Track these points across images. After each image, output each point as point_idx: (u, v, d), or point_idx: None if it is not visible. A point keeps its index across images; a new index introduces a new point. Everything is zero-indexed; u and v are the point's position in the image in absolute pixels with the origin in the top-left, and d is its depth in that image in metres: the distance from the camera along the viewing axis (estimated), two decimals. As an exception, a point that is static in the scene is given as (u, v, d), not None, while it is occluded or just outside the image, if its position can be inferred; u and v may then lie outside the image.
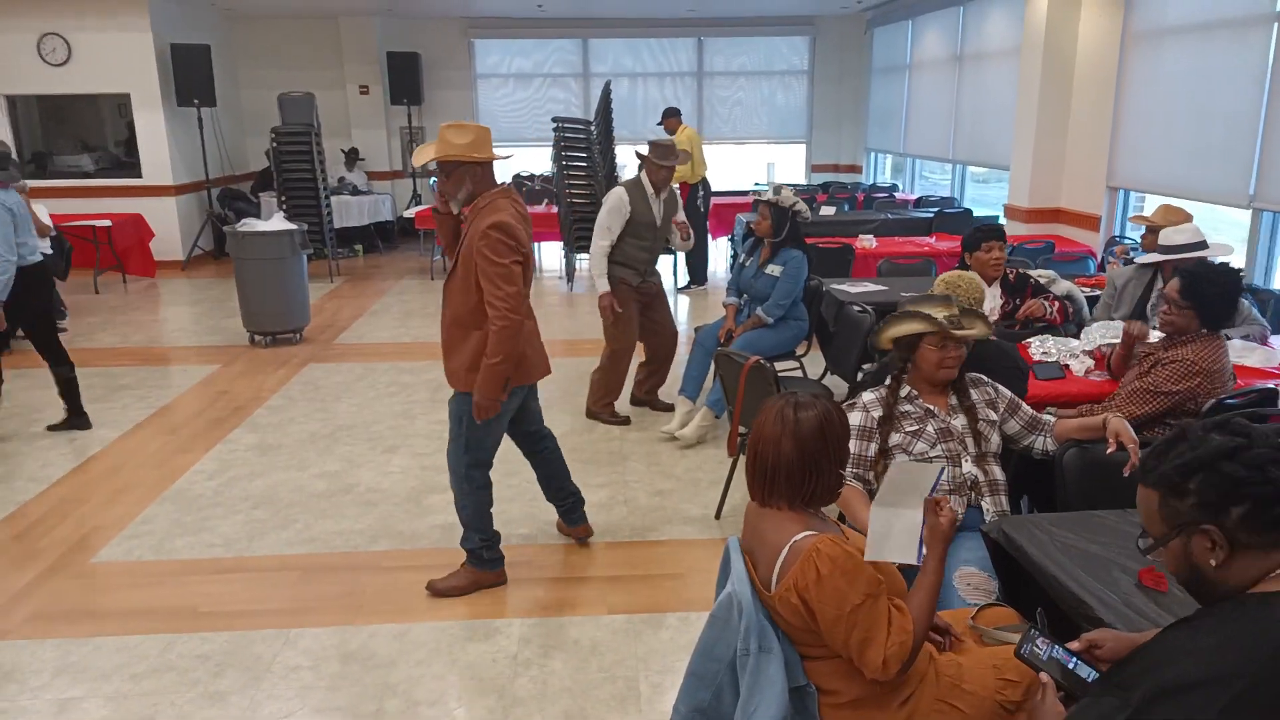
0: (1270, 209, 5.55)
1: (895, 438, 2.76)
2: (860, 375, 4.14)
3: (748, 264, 5.16)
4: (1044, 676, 1.68)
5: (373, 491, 4.48)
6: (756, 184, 11.91)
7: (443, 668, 3.06)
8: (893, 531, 2.09)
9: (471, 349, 3.23)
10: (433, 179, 12.01)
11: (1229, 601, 1.37)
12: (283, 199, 9.86)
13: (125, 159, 10.48)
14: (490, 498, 3.49)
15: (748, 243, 5.33)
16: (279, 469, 4.75)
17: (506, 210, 3.19)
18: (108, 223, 9.30)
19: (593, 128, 9.18)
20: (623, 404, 5.53)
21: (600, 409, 5.41)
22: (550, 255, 11.24)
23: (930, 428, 2.74)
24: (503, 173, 13.12)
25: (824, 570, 1.84)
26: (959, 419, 2.77)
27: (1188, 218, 4.62)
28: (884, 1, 11.44)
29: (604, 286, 5.12)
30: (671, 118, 9.03)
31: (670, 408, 5.41)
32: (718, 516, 4.17)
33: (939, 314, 2.74)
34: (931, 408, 2.78)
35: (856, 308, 4.71)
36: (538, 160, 12.85)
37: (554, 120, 9.23)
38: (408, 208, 11.74)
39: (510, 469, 4.71)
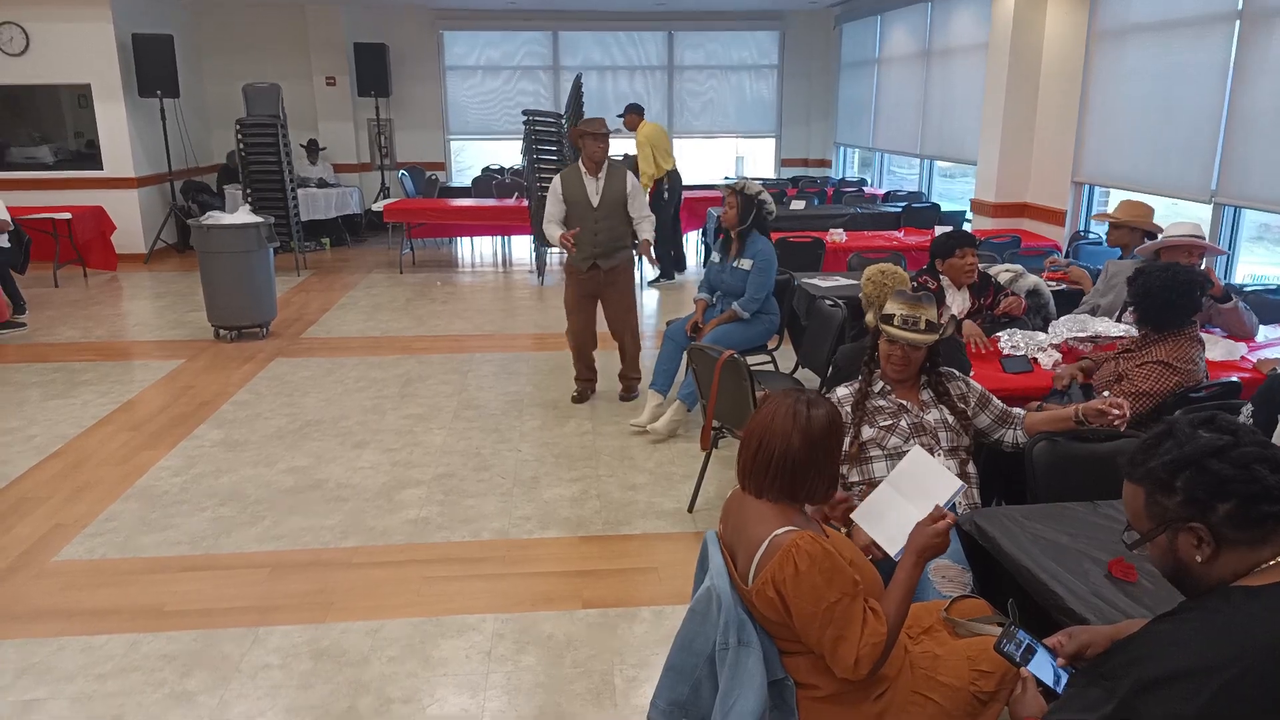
0: (1231, 203, 5.65)
1: (869, 431, 2.77)
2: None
3: (718, 261, 5.19)
4: (1024, 671, 1.69)
5: (342, 487, 4.43)
6: (726, 178, 11.94)
7: (416, 665, 3.03)
8: (887, 515, 2.10)
9: None
10: (401, 171, 11.91)
11: (1215, 594, 1.38)
12: (248, 191, 9.72)
13: (85, 151, 10.28)
14: None
15: (718, 241, 5.36)
16: (246, 465, 4.69)
17: None
18: (67, 215, 9.10)
19: (563, 121, 9.13)
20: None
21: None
22: (520, 248, 11.18)
23: (904, 422, 2.76)
24: (474, 165, 13.10)
25: (802, 566, 1.84)
26: (932, 413, 2.79)
27: (1149, 210, 4.72)
28: (853, -3, 11.50)
29: (552, 235, 5.42)
30: (632, 113, 8.86)
31: (629, 397, 5.68)
32: (690, 510, 4.17)
33: (897, 310, 2.76)
34: (904, 402, 2.80)
35: (828, 301, 4.73)
36: (508, 153, 12.80)
37: (524, 113, 9.17)
38: (376, 200, 11.62)
39: (481, 463, 4.69)
